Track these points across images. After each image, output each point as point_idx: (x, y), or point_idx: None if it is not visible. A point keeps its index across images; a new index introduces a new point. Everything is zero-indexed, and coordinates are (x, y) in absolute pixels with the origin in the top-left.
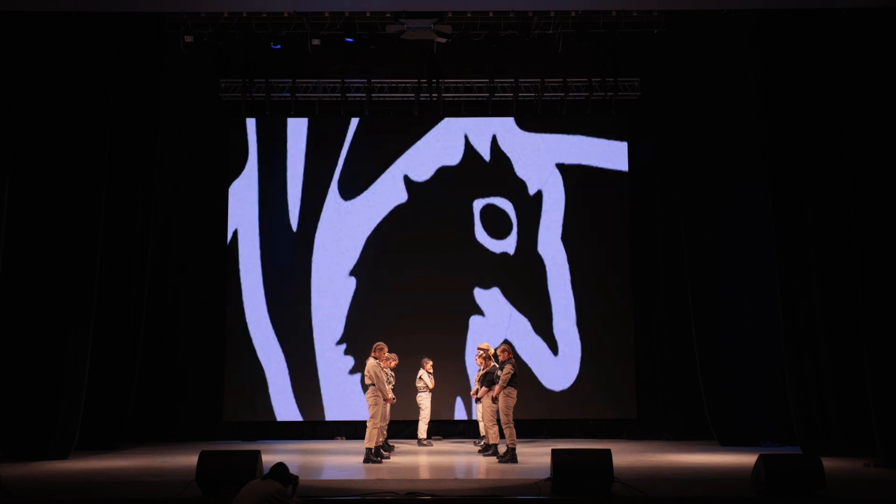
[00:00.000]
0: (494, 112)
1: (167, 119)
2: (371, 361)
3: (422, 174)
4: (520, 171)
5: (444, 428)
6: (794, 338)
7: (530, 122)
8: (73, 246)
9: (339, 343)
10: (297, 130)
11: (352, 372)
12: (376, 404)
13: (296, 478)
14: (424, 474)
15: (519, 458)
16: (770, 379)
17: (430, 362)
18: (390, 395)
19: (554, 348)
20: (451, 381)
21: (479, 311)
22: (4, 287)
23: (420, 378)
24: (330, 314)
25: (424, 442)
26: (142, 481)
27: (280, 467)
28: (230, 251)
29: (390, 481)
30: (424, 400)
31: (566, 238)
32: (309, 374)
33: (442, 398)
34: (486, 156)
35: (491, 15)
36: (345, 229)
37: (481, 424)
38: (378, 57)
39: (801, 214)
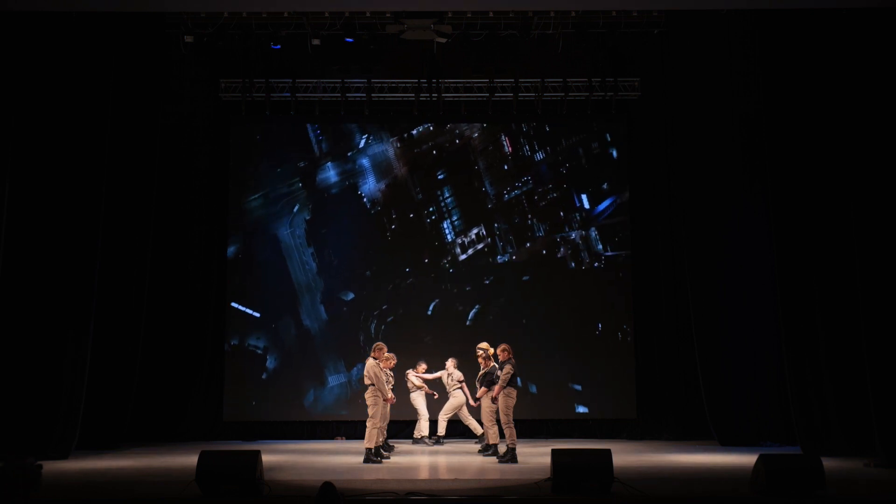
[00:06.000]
0: (494, 112)
1: (167, 119)
2: (370, 361)
3: (422, 178)
4: (520, 172)
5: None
6: (795, 337)
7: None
8: (73, 245)
9: (339, 343)
10: (297, 130)
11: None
12: (376, 404)
13: (342, 495)
14: (424, 474)
15: (519, 458)
16: (770, 379)
17: (424, 366)
18: (390, 394)
19: (554, 349)
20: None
21: (478, 311)
22: (4, 286)
23: (408, 380)
24: (330, 314)
25: (427, 441)
26: (142, 481)
27: (329, 489)
28: (230, 251)
29: (390, 481)
30: (417, 400)
31: (565, 238)
32: (309, 373)
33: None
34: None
35: (491, 15)
36: (346, 228)
37: (473, 422)
38: (378, 57)
39: (800, 214)
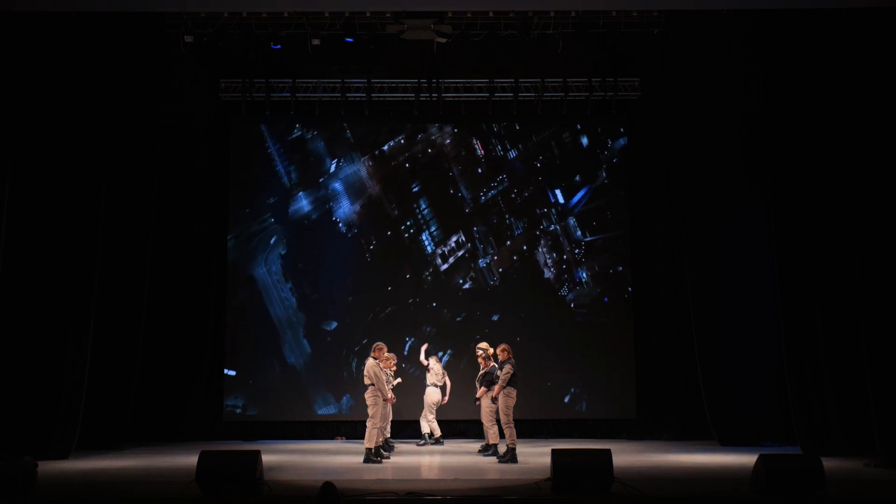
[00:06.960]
0: (494, 112)
1: (167, 119)
2: (370, 361)
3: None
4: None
5: (442, 428)
6: (795, 337)
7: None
8: (73, 245)
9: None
10: (297, 131)
11: (352, 372)
12: (376, 404)
13: (342, 495)
14: (424, 474)
15: (519, 458)
16: (770, 379)
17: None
18: (390, 394)
19: (554, 349)
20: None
21: (479, 312)
22: (5, 286)
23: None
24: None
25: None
26: (142, 481)
27: (329, 489)
28: (230, 251)
29: (390, 481)
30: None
31: (565, 238)
32: (309, 373)
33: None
34: (486, 158)
35: (491, 15)
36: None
37: (424, 422)
38: (378, 57)
39: (800, 214)
